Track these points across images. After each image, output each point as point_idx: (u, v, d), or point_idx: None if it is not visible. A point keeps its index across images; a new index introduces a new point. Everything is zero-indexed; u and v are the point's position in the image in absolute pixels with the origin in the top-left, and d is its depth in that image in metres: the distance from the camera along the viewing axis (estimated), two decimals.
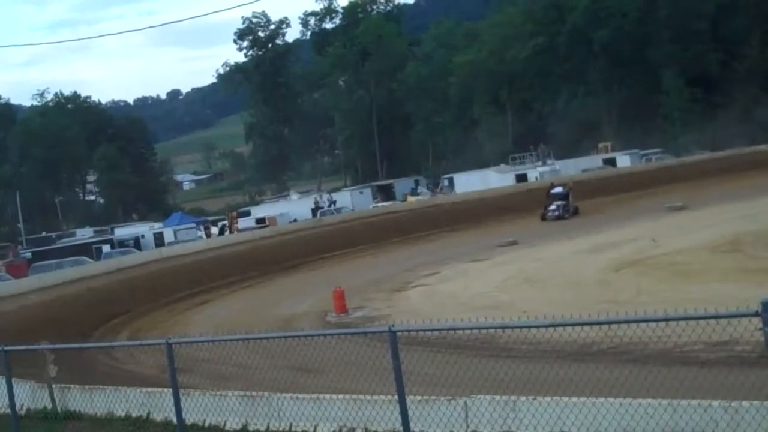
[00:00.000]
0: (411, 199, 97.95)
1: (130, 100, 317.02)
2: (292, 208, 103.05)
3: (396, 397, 11.82)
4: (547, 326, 10.70)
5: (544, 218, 64.87)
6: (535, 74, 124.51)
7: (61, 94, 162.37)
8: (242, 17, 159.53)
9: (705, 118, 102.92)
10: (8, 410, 17.26)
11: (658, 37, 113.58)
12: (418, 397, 14.54)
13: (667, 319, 10.07)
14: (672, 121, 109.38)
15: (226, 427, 17.36)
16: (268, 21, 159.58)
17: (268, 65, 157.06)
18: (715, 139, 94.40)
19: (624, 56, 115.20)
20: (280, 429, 16.49)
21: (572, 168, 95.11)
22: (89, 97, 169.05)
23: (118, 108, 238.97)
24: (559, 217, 64.16)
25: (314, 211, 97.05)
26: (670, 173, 77.67)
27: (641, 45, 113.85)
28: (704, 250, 38.98)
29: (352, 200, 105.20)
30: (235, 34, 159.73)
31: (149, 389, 19.50)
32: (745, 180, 65.35)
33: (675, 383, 13.25)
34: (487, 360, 19.80)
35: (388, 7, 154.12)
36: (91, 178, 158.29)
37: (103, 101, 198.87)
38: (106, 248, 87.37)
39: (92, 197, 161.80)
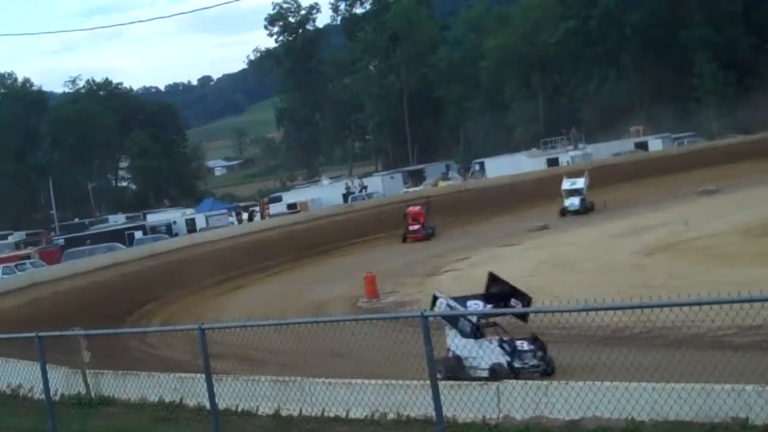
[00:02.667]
0: (442, 183, 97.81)
1: (162, 87, 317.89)
2: (324, 194, 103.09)
3: (428, 381, 11.82)
4: (579, 310, 10.67)
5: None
6: (566, 58, 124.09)
7: (93, 80, 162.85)
8: (273, 3, 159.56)
9: (737, 101, 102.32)
10: (43, 396, 17.35)
11: (691, 21, 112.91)
12: (450, 382, 14.56)
13: (699, 303, 10.03)
14: (704, 105, 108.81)
15: (259, 412, 17.43)
16: (299, 6, 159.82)
17: (298, 51, 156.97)
18: (747, 122, 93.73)
19: (656, 39, 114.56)
20: (313, 414, 16.55)
21: (604, 152, 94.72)
22: (121, 83, 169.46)
23: (149, 94, 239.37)
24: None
25: (345, 197, 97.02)
26: (703, 157, 77.23)
27: (673, 28, 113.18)
28: (737, 233, 38.83)
29: (383, 185, 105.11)
30: (265, 19, 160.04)
31: (182, 375, 19.61)
32: None
33: (708, 367, 13.22)
34: None
35: None
36: (123, 164, 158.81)
37: (135, 88, 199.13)
38: (138, 234, 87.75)
39: (124, 183, 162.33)
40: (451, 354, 21.39)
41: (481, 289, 22.66)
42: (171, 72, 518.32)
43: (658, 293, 12.10)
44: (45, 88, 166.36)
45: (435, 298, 21.97)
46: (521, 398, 14.15)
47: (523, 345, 21.69)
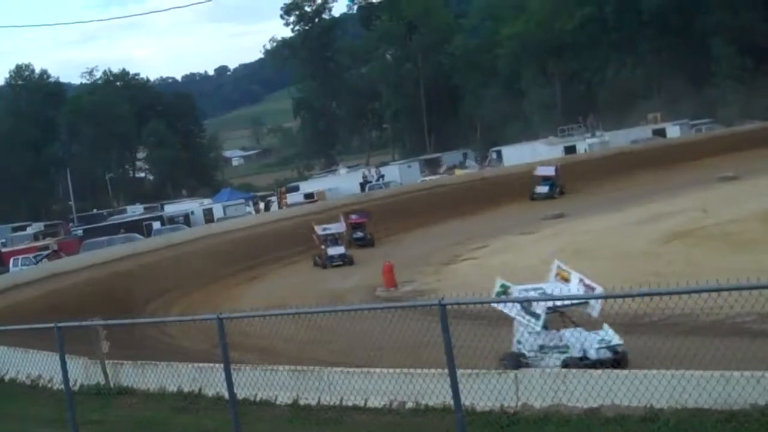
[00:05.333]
0: (459, 172, 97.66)
1: (179, 77, 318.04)
2: (341, 183, 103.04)
3: (446, 370, 11.82)
4: (597, 298, 10.66)
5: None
6: (583, 45, 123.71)
7: (110, 71, 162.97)
8: None
9: (755, 87, 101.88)
10: (62, 386, 17.42)
11: (707, 6, 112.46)
12: (469, 371, 14.56)
13: (718, 290, 10.00)
14: (722, 91, 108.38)
15: (277, 402, 17.47)
16: None
17: (315, 40, 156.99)
18: (766, 108, 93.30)
19: (673, 25, 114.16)
20: (331, 403, 16.58)
21: (622, 139, 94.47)
22: (138, 74, 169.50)
23: (166, 85, 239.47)
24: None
25: (363, 186, 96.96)
26: (721, 143, 76.98)
27: (690, 14, 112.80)
28: (756, 220, 38.65)
29: (401, 174, 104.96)
30: (281, 9, 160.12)
31: (201, 365, 19.66)
32: None
33: (727, 354, 13.20)
34: None
35: None
36: (140, 155, 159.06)
37: (152, 78, 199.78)
38: (156, 225, 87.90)
39: (142, 174, 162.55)
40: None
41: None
42: (188, 62, 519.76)
43: (676, 280, 12.02)
44: (62, 79, 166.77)
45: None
46: (539, 386, 14.15)
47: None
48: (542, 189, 64.45)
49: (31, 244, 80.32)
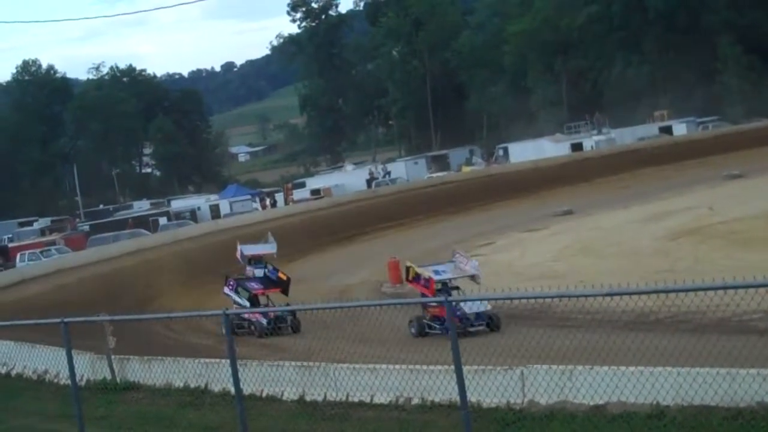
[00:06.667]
0: (466, 169, 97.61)
1: (185, 73, 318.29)
2: (347, 179, 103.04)
3: (452, 367, 11.83)
4: (603, 295, 10.64)
5: None
6: (589, 42, 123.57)
7: (117, 67, 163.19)
8: None
9: (762, 85, 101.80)
10: (68, 381, 17.44)
11: (714, 4, 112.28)
12: (475, 367, 14.57)
13: (725, 288, 9.99)
14: (728, 89, 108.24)
15: (284, 398, 17.49)
16: None
17: (321, 36, 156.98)
18: None
19: (679, 23, 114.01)
20: (337, 399, 16.59)
21: (628, 136, 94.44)
22: (144, 70, 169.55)
23: (173, 81, 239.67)
24: None
25: (369, 182, 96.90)
26: (727, 141, 76.82)
27: (697, 12, 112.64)
28: (762, 218, 38.55)
29: (407, 170, 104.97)
30: (288, 5, 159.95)
31: (207, 360, 19.67)
32: None
33: (734, 352, 13.18)
34: (543, 330, 19.82)
35: None
36: (147, 150, 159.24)
37: (158, 74, 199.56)
38: (163, 220, 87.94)
39: (148, 170, 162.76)
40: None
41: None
42: (194, 58, 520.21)
43: (683, 278, 12.04)
44: (69, 75, 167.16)
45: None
46: (546, 383, 14.15)
47: None
48: (256, 272, 39.83)
49: (38, 240, 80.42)
